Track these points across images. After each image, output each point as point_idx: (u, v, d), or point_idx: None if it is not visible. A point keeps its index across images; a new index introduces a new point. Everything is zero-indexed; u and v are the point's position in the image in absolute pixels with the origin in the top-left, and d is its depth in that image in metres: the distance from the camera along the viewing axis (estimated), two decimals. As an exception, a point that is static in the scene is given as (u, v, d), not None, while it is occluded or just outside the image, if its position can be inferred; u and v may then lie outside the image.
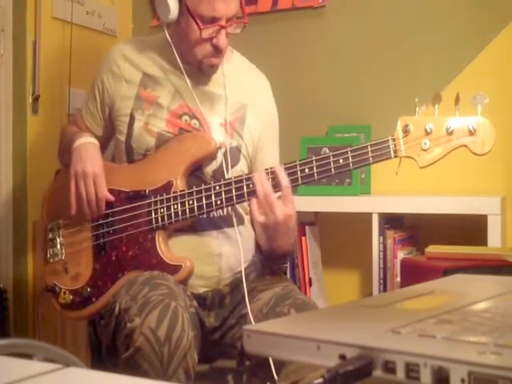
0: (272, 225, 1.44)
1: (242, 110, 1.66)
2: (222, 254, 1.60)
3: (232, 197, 1.50)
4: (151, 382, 0.57)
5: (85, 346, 2.08)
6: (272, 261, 1.58)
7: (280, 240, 1.49)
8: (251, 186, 1.49)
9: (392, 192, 2.38)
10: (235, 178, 1.52)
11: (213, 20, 1.52)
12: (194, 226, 1.58)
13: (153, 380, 0.58)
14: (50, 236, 1.68)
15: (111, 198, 1.60)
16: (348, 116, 2.51)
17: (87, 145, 1.63)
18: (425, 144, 1.40)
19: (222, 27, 1.53)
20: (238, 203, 1.54)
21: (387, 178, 2.35)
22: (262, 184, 1.44)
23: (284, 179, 1.43)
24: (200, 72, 1.62)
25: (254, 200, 1.45)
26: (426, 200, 2.20)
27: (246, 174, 1.52)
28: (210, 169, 1.61)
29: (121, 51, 1.69)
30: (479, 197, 2.15)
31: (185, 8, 1.54)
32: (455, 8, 2.37)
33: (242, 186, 1.50)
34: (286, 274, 1.91)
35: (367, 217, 2.23)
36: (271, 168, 1.47)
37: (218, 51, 1.57)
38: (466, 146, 1.38)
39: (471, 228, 2.17)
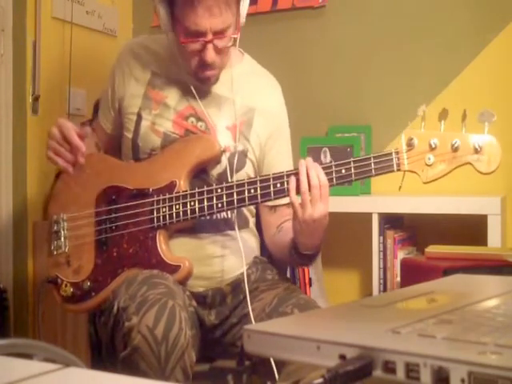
0: (308, 223, 1.43)
1: (249, 113, 1.65)
2: (224, 256, 1.60)
3: (233, 200, 1.50)
4: (151, 382, 0.57)
5: (85, 345, 2.08)
6: (301, 257, 1.54)
7: (314, 236, 1.48)
8: (252, 191, 1.49)
9: (392, 192, 2.38)
10: (237, 181, 1.52)
11: (197, 34, 1.49)
12: (197, 228, 1.58)
13: (152, 380, 0.58)
14: (55, 228, 1.69)
15: (83, 132, 1.61)
16: (348, 116, 2.51)
17: None
18: (429, 159, 1.38)
19: (207, 42, 1.50)
20: (238, 207, 1.53)
21: (387, 178, 2.34)
22: (302, 181, 1.42)
23: (312, 178, 1.41)
24: (199, 82, 1.61)
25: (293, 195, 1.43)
26: (425, 200, 2.20)
27: (249, 178, 1.52)
28: (215, 172, 1.60)
29: (130, 49, 1.70)
30: (479, 197, 2.15)
31: (175, 19, 1.53)
32: (455, 8, 2.37)
33: (244, 190, 1.49)
34: (286, 274, 1.90)
35: (367, 217, 2.23)
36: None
37: (205, 65, 1.54)
38: (470, 163, 1.36)
39: (471, 228, 2.17)
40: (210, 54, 1.51)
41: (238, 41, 1.61)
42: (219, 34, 1.50)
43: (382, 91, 2.48)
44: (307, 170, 1.42)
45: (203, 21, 1.47)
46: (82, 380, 0.59)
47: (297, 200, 1.43)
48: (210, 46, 1.51)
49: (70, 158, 1.59)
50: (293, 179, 1.44)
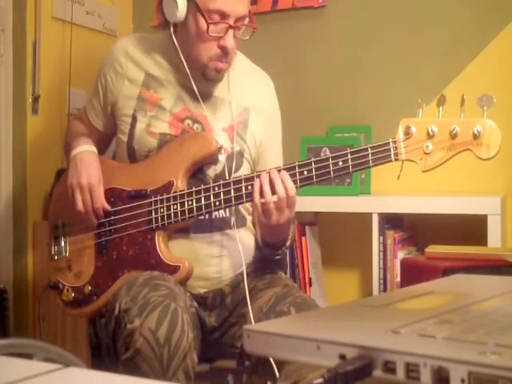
0: (272, 226, 1.50)
1: (244, 113, 1.65)
2: (224, 255, 1.60)
3: (230, 198, 1.50)
4: (151, 382, 0.57)
5: (85, 345, 2.08)
6: (272, 251, 1.64)
7: (279, 235, 1.58)
8: (250, 187, 1.49)
9: (392, 192, 2.38)
10: (234, 178, 1.52)
11: (221, 16, 1.50)
12: (195, 228, 1.58)
13: (153, 380, 0.58)
14: (56, 234, 1.69)
15: (107, 207, 1.60)
16: (348, 116, 2.51)
17: (83, 154, 1.62)
18: (427, 147, 1.35)
19: (230, 27, 1.51)
20: (236, 204, 1.53)
21: (387, 178, 2.35)
22: (264, 191, 1.45)
23: (280, 189, 1.44)
24: (205, 78, 1.60)
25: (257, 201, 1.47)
26: (425, 200, 2.20)
27: (245, 175, 1.52)
28: (212, 173, 1.60)
29: (124, 49, 1.66)
30: (479, 197, 2.15)
31: (193, 5, 1.52)
32: (455, 8, 2.37)
33: (241, 187, 1.49)
34: (286, 273, 1.90)
35: (367, 217, 2.23)
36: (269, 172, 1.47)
37: (224, 53, 1.53)
38: (470, 149, 1.33)
39: (471, 228, 2.17)
40: (231, 41, 1.53)
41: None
42: (239, 21, 1.53)
43: (381, 91, 2.48)
44: (272, 181, 1.44)
45: (229, 1, 1.50)
46: (82, 380, 0.59)
47: (260, 204, 1.45)
48: (231, 32, 1.52)
49: (88, 206, 1.60)
50: (257, 181, 1.45)
